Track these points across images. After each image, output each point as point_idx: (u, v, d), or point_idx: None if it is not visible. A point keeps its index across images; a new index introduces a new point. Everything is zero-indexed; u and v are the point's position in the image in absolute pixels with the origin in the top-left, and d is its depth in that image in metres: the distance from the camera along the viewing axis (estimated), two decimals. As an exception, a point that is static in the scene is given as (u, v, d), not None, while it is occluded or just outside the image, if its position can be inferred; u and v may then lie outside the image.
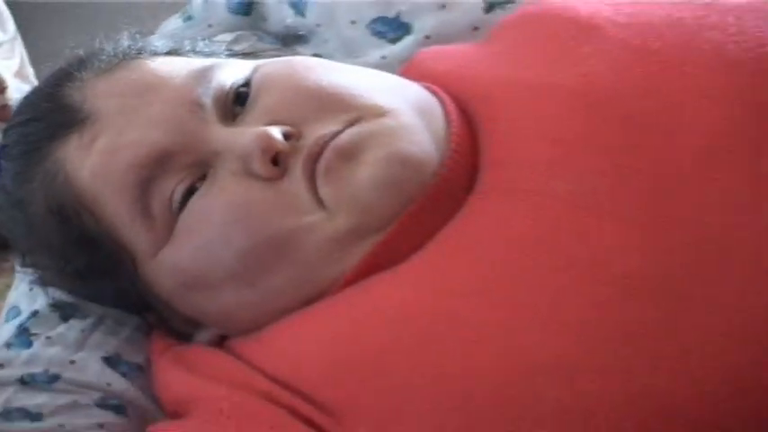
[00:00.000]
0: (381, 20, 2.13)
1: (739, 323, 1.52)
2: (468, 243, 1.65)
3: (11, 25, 2.60)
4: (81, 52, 1.93)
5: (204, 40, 2.09)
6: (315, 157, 1.64)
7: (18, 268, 2.02)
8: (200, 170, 1.70)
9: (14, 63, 2.37)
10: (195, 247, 1.71)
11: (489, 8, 2.08)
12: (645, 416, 1.53)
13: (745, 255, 1.55)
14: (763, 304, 1.52)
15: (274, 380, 1.66)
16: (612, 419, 1.53)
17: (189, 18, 2.32)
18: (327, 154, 1.64)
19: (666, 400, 1.54)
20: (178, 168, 1.70)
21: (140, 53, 1.87)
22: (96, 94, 1.79)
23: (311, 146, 1.65)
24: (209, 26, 2.27)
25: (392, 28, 2.12)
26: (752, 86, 1.63)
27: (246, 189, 1.68)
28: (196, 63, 1.83)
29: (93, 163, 1.74)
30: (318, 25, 2.19)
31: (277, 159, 1.65)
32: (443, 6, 2.11)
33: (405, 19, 2.12)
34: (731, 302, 1.54)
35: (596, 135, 1.66)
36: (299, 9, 2.21)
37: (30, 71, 2.67)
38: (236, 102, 1.75)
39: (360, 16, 2.15)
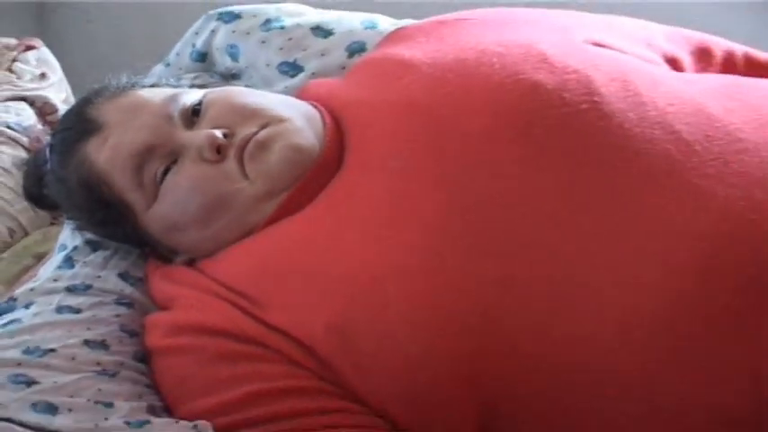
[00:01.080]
0: (285, 63, 2.30)
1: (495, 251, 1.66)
2: (339, 198, 1.82)
3: (58, 68, 2.69)
4: (96, 86, 2.09)
5: (175, 77, 2.34)
6: (242, 148, 1.85)
7: (65, 221, 2.17)
8: (173, 157, 1.89)
9: (63, 95, 2.55)
10: (171, 204, 1.91)
11: (350, 56, 2.27)
12: (436, 304, 1.67)
13: (507, 202, 1.67)
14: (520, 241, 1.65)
15: (222, 284, 1.83)
16: (439, 325, 1.65)
17: (167, 64, 2.44)
18: (250, 146, 1.85)
19: (448, 298, 1.67)
20: (159, 156, 1.89)
21: (133, 86, 2.05)
22: (107, 111, 1.97)
23: (240, 141, 1.86)
24: (180, 69, 2.41)
25: (292, 68, 2.29)
26: (507, 95, 1.75)
27: (201, 169, 1.88)
28: (169, 91, 2.01)
29: (106, 154, 1.94)
30: (246, 67, 2.36)
31: (219, 149, 1.85)
32: (323, 54, 2.30)
33: (300, 63, 2.30)
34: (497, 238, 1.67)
35: (414, 131, 1.81)
36: (234, 57, 2.37)
37: (73, 100, 2.79)
38: (194, 114, 1.93)
39: (271, 61, 2.33)
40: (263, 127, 1.85)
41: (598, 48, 1.87)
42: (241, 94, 1.99)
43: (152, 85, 2.08)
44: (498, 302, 1.64)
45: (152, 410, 1.74)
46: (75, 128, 2.01)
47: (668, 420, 1.60)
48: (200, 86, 2.13)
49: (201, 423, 1.66)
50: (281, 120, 1.86)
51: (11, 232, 2.13)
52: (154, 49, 2.80)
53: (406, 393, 1.67)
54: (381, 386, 1.67)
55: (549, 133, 1.71)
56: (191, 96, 1.95)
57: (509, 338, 1.63)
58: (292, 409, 1.68)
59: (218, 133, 1.84)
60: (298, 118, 1.88)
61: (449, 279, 1.66)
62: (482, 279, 1.65)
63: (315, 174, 1.83)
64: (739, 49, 2.09)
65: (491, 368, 1.64)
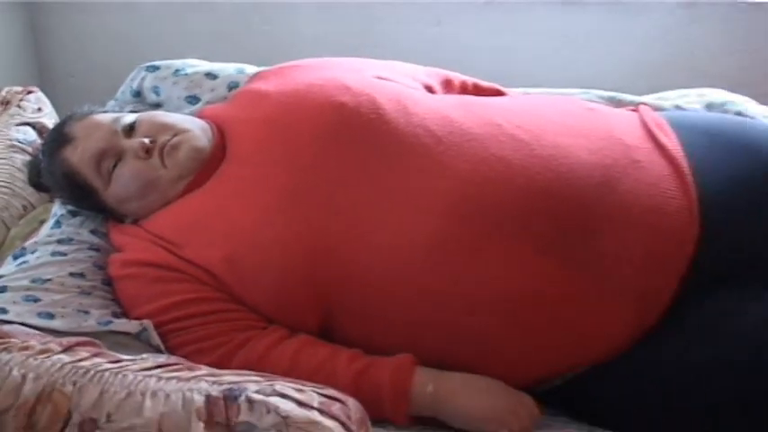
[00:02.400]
0: (189, 96, 2.32)
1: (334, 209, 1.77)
2: (223, 180, 1.87)
3: (48, 103, 2.67)
4: (69, 113, 2.09)
5: (119, 107, 2.32)
6: (162, 149, 1.90)
7: (56, 199, 2.16)
8: (118, 156, 1.92)
9: (52, 121, 2.51)
10: (119, 186, 1.94)
11: (229, 90, 2.28)
12: (286, 240, 1.77)
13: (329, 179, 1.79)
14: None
15: (154, 234, 1.87)
16: (288, 254, 1.76)
17: (116, 99, 2.40)
18: (167, 147, 1.89)
19: (293, 236, 1.77)
20: (110, 156, 1.92)
21: (92, 113, 2.05)
22: (76, 129, 1.99)
23: (160, 144, 1.90)
24: (123, 102, 2.38)
25: (193, 99, 2.31)
26: (325, 112, 1.84)
27: (136, 163, 1.91)
28: (115, 115, 2.01)
29: (77, 156, 1.96)
30: (165, 100, 2.34)
31: (147, 151, 1.89)
32: (212, 90, 2.30)
33: (198, 96, 2.30)
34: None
35: (269, 136, 1.85)
36: (157, 93, 2.34)
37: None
38: (130, 129, 1.94)
39: (180, 95, 2.32)
40: (175, 135, 1.90)
41: (381, 80, 1.91)
42: (160, 115, 2.01)
43: (104, 112, 2.08)
44: (325, 234, 1.73)
45: (115, 315, 1.80)
46: (56, 140, 2.03)
47: (442, 310, 1.71)
48: (135, 111, 2.11)
49: (145, 321, 1.76)
50: (185, 131, 1.91)
51: (24, 207, 2.20)
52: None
53: (272, 299, 1.77)
54: (257, 295, 1.77)
55: (352, 134, 1.79)
56: (128, 117, 1.96)
57: (336, 257, 1.72)
58: (200, 310, 1.78)
59: (147, 140, 1.89)
60: (196, 129, 1.92)
61: (292, 224, 1.75)
62: (313, 222, 1.74)
63: (208, 165, 1.90)
64: (470, 79, 2.13)
65: (325, 280, 1.74)
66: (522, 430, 1.66)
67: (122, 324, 1.76)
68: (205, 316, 1.76)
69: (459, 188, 1.68)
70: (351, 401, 1.32)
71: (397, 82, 1.91)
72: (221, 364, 1.62)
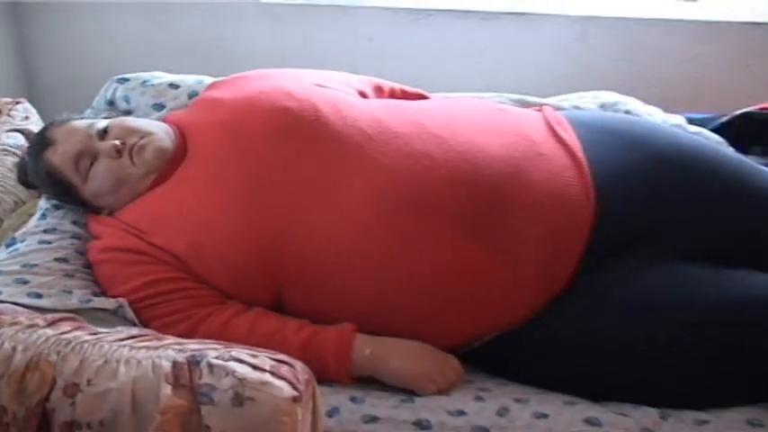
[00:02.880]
0: (155, 104, 2.28)
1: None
2: (185, 176, 1.86)
3: (35, 112, 2.65)
4: (51, 120, 2.07)
5: (95, 114, 2.26)
6: (131, 150, 1.88)
7: (43, 195, 2.14)
8: (94, 157, 1.90)
9: (38, 127, 2.53)
10: (95, 182, 1.93)
11: (190, 98, 2.24)
12: (239, 231, 1.77)
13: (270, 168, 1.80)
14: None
15: (126, 224, 1.85)
16: (243, 241, 1.77)
17: (92, 107, 2.36)
18: (135, 148, 1.88)
19: (244, 225, 1.77)
20: (86, 156, 1.91)
21: (70, 119, 2.03)
22: (56, 133, 1.97)
23: (129, 146, 1.88)
24: (99, 109, 2.34)
25: (159, 107, 2.27)
26: (273, 116, 1.84)
27: (109, 162, 1.89)
28: (90, 121, 2.00)
29: (58, 157, 1.94)
30: (135, 107, 2.31)
31: (118, 151, 1.88)
32: (175, 98, 2.27)
33: (163, 103, 2.27)
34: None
35: (224, 137, 1.85)
36: (128, 102, 2.31)
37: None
38: (104, 133, 1.93)
39: (148, 103, 2.29)
40: (142, 138, 1.88)
41: (319, 87, 1.90)
42: (130, 120, 2.00)
43: (81, 118, 2.06)
44: (275, 223, 1.74)
45: (95, 294, 1.79)
46: (40, 143, 2.01)
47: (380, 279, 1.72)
48: (108, 117, 2.08)
49: (121, 299, 1.76)
50: (151, 133, 1.89)
51: (15, 203, 2.18)
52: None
53: (230, 279, 1.76)
54: (216, 275, 1.76)
55: (297, 134, 1.78)
56: (102, 123, 1.95)
57: (285, 243, 1.74)
58: (168, 288, 1.77)
59: (117, 142, 1.87)
60: (161, 132, 1.90)
61: (246, 214, 1.75)
62: (265, 213, 1.75)
63: (171, 163, 1.87)
64: (397, 86, 2.12)
65: (276, 263, 1.75)
66: (449, 386, 1.68)
67: (101, 302, 1.76)
68: (172, 293, 1.74)
69: (388, 179, 1.69)
70: (298, 364, 1.33)
71: (334, 89, 1.90)
72: (188, 334, 1.62)
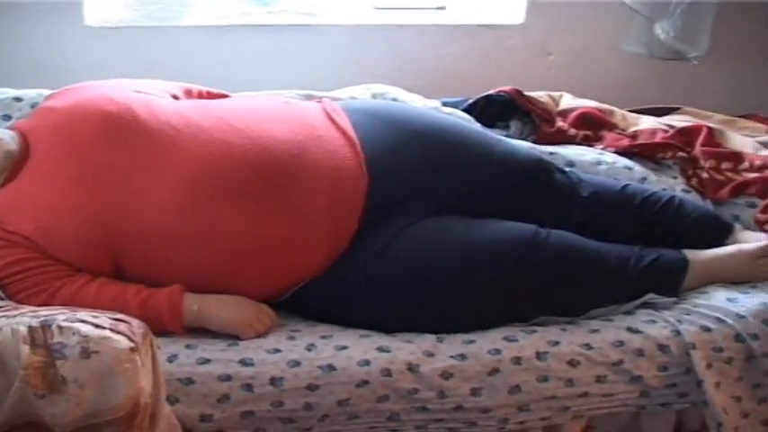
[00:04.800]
0: (4, 115, 2.22)
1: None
2: (29, 173, 1.79)
3: None
4: None
5: None
6: None
7: None
8: None
9: None
10: None
11: (31, 108, 2.14)
12: (82, 218, 1.73)
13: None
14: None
15: None
16: (83, 223, 1.72)
17: None
18: None
19: (83, 211, 1.73)
20: None
21: None
22: None
23: None
24: None
25: (7, 117, 2.20)
26: (99, 118, 1.80)
27: None
28: None
29: None
30: None
31: None
32: (20, 110, 2.22)
33: (11, 115, 2.19)
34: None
35: (57, 139, 1.80)
36: None
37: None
38: None
39: None
40: None
41: (137, 93, 1.85)
42: None
43: None
44: (108, 206, 1.72)
45: None
46: None
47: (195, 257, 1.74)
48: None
49: None
50: (1, 139, 1.77)
51: None
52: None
53: (75, 255, 1.73)
54: (64, 253, 1.72)
55: (119, 133, 1.77)
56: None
57: (118, 222, 1.72)
58: (26, 266, 1.71)
59: None
60: (6, 137, 1.80)
61: (83, 200, 1.72)
62: (98, 198, 1.73)
63: (18, 163, 1.79)
64: (204, 88, 2.10)
65: (113, 239, 1.73)
66: (266, 330, 1.73)
67: None
68: (30, 270, 1.69)
69: (196, 164, 1.71)
70: (134, 321, 1.34)
71: (149, 93, 1.86)
72: (46, 303, 1.59)
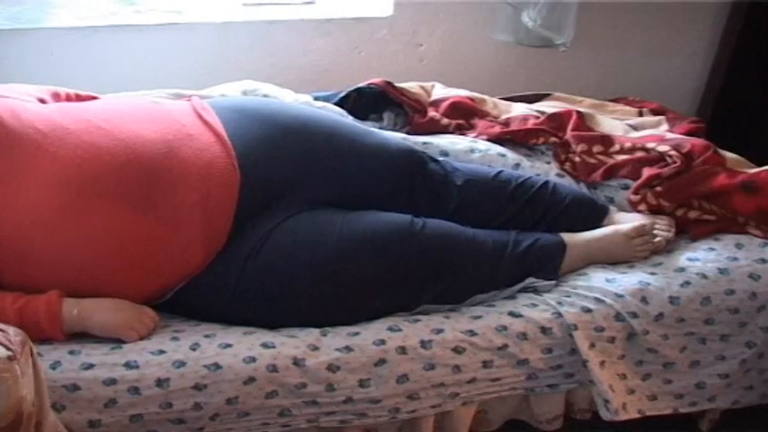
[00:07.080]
0: None
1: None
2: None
3: None
4: None
5: None
6: None
7: None
8: None
9: None
10: None
11: None
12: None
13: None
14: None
15: None
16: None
17: None
18: None
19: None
20: None
21: None
22: None
23: None
24: None
25: None
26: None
27: None
28: None
29: None
30: None
31: None
32: None
33: None
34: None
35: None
36: None
37: None
38: None
39: None
40: None
41: (2, 97, 1.82)
42: None
43: None
44: None
45: None
46: None
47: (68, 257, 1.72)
48: None
49: None
50: None
51: None
52: None
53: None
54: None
55: None
56: None
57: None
58: None
59: None
60: None
61: None
62: None
63: None
64: (72, 91, 2.08)
65: None
66: (148, 332, 1.74)
67: None
68: None
69: (64, 169, 1.68)
70: (11, 329, 1.31)
71: (14, 98, 1.82)
72: None
